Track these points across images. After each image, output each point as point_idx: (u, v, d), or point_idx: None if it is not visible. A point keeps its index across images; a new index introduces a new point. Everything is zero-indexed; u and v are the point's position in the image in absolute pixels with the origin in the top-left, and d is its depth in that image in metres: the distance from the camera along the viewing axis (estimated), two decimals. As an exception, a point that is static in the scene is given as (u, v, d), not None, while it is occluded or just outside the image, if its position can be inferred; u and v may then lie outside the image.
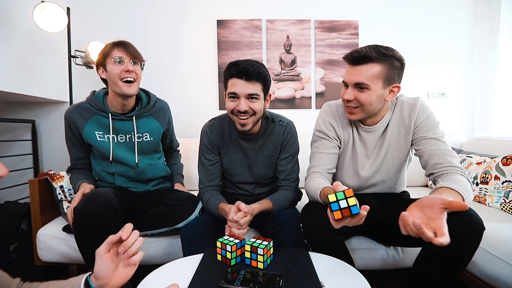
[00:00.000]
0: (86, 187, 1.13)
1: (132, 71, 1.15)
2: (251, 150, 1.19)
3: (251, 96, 1.02)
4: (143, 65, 1.23)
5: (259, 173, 1.22)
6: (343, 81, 0.99)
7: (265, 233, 1.08)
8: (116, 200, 1.03)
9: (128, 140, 1.24)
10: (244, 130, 1.07)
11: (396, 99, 1.06)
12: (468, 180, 0.84)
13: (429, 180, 0.96)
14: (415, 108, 0.99)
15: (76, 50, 1.91)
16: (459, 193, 0.77)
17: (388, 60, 0.90)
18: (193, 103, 2.17)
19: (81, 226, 0.99)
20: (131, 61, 1.15)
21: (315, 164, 1.05)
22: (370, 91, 0.92)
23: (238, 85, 1.01)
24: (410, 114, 1.00)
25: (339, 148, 1.10)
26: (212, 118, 1.25)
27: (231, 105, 1.04)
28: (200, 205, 1.19)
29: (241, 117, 1.04)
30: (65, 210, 1.36)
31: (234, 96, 1.03)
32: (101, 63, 1.17)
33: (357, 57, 0.91)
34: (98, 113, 1.20)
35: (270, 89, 1.12)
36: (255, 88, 1.02)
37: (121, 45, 1.16)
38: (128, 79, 1.14)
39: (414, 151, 1.04)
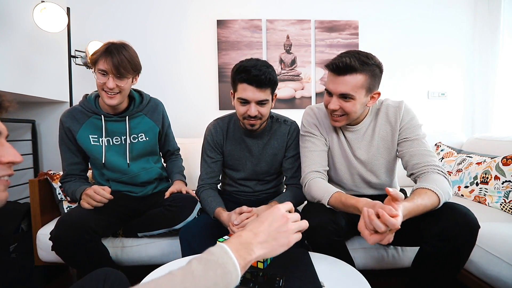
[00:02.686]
0: (99, 188, 1.04)
1: (114, 88, 1.09)
2: (256, 147, 1.21)
3: (261, 102, 1.05)
4: (137, 74, 1.18)
5: (262, 170, 1.23)
6: (326, 89, 1.00)
7: None
8: (93, 218, 1.01)
9: (123, 142, 1.21)
10: (252, 129, 1.12)
11: (381, 103, 1.08)
12: (446, 178, 0.87)
13: (412, 180, 0.98)
14: (400, 111, 1.02)
15: (76, 50, 1.91)
16: (433, 191, 0.80)
17: (370, 69, 0.92)
18: (193, 104, 2.17)
19: (59, 251, 0.99)
20: (115, 76, 1.08)
21: (310, 163, 1.06)
22: (355, 101, 0.94)
23: (249, 92, 1.02)
24: (396, 116, 1.03)
25: (327, 146, 1.12)
26: (218, 118, 1.27)
27: (242, 109, 1.07)
28: (198, 206, 1.18)
29: (251, 120, 1.08)
30: (65, 210, 1.36)
31: (245, 102, 1.05)
32: (92, 65, 1.12)
33: (342, 67, 0.90)
34: (92, 116, 1.17)
35: (275, 100, 1.16)
36: (266, 94, 1.05)
37: (109, 55, 1.06)
38: (110, 93, 1.10)
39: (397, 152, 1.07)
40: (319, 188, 0.96)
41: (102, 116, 1.17)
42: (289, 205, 0.58)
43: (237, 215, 1.02)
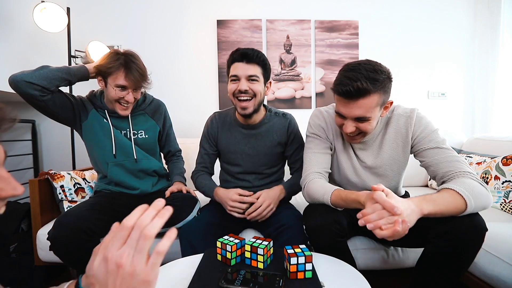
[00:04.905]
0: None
1: (132, 101, 1.17)
2: (253, 139, 1.21)
3: (251, 78, 1.07)
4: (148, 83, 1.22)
5: (260, 163, 1.23)
6: (336, 111, 0.94)
7: (267, 235, 1.09)
8: (91, 218, 1.02)
9: (124, 136, 1.25)
10: (245, 113, 1.11)
11: (392, 111, 1.03)
12: (481, 185, 0.81)
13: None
14: (411, 121, 0.98)
15: (76, 50, 1.91)
16: (459, 194, 0.76)
17: (382, 85, 0.86)
18: (193, 104, 2.17)
19: (57, 251, 0.99)
20: (133, 90, 1.15)
21: (312, 164, 1.04)
22: (371, 120, 0.90)
23: (239, 68, 1.07)
24: (407, 127, 0.98)
25: (331, 150, 1.10)
26: (217, 111, 1.30)
27: (233, 87, 1.09)
28: (198, 205, 1.18)
29: (242, 98, 1.08)
30: (65, 210, 1.36)
31: (235, 78, 1.08)
32: (102, 76, 1.15)
33: (354, 93, 0.84)
34: (97, 109, 1.23)
35: (270, 88, 1.18)
36: (255, 70, 1.07)
37: (129, 71, 1.11)
38: (125, 104, 1.17)
39: (419, 163, 1.01)
40: (318, 188, 0.95)
41: (106, 111, 1.23)
42: None
43: (237, 195, 1.10)
